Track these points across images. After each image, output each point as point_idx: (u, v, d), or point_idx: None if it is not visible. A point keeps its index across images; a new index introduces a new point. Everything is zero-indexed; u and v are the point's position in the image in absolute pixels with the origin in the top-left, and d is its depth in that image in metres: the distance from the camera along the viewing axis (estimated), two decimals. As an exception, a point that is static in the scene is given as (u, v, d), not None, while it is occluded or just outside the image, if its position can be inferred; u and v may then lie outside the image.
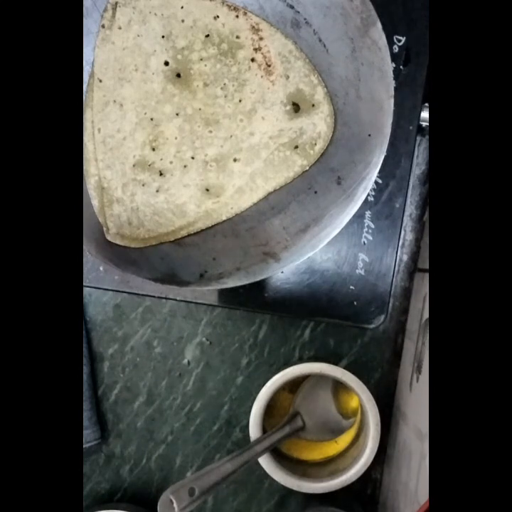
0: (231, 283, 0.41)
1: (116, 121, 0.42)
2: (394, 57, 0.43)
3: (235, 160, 0.42)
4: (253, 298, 0.47)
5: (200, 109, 0.42)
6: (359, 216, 0.46)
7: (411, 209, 0.53)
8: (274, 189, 0.43)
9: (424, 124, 0.46)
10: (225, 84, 0.42)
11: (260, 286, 0.47)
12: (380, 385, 0.53)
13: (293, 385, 0.52)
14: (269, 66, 0.42)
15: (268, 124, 0.42)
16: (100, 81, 0.41)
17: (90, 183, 0.42)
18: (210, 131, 0.42)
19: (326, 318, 0.48)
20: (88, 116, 0.42)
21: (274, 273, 0.41)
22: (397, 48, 0.45)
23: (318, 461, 0.53)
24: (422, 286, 0.51)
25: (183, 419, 0.54)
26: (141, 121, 0.42)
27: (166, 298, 0.47)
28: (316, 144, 0.42)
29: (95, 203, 0.42)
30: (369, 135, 0.40)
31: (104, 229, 0.42)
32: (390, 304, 0.49)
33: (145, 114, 0.42)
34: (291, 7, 0.41)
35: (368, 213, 0.46)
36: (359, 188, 0.40)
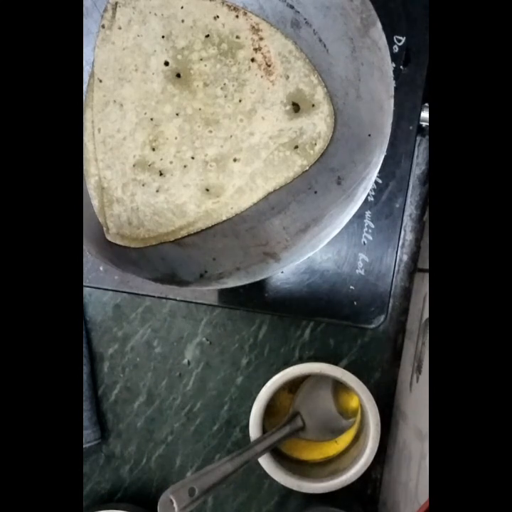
0: (231, 283, 0.41)
1: (117, 121, 0.42)
2: (394, 57, 0.43)
3: (235, 160, 0.42)
4: (253, 298, 0.47)
5: (200, 109, 0.42)
6: (359, 216, 0.46)
7: (411, 209, 0.53)
8: (274, 189, 0.43)
9: (424, 124, 0.46)
10: (225, 84, 0.42)
11: (260, 286, 0.47)
12: (380, 385, 0.53)
13: (293, 385, 0.52)
14: (269, 66, 0.42)
15: (268, 124, 0.42)
16: (100, 81, 0.41)
17: (90, 183, 0.42)
18: (210, 131, 0.42)
19: (326, 318, 0.48)
20: (88, 116, 0.42)
21: (274, 273, 0.41)
22: (397, 48, 0.45)
23: (318, 461, 0.53)
24: (422, 286, 0.51)
25: (183, 419, 0.54)
26: (141, 121, 0.42)
27: (166, 298, 0.47)
28: (316, 144, 0.42)
29: (95, 203, 0.42)
30: (369, 135, 0.40)
31: (104, 229, 0.42)
32: (390, 304, 0.49)
33: (145, 114, 0.42)
34: (291, 7, 0.41)
35: (367, 213, 0.46)
36: (359, 188, 0.40)
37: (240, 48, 0.42)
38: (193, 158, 0.42)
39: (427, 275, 0.50)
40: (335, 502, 0.49)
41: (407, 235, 0.54)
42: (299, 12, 0.41)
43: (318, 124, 0.42)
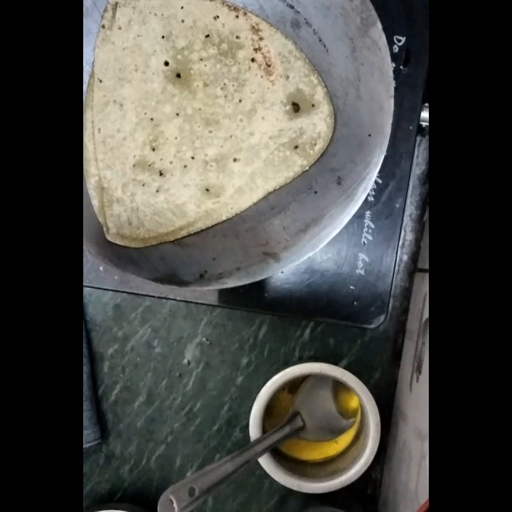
0: (231, 283, 0.41)
1: (117, 121, 0.42)
2: (394, 57, 0.43)
3: (235, 160, 0.42)
4: (253, 298, 0.47)
5: (200, 109, 0.42)
6: (359, 216, 0.46)
7: (411, 209, 0.53)
8: (274, 189, 0.43)
9: (424, 124, 0.46)
10: (225, 84, 0.42)
11: (260, 286, 0.47)
12: (380, 385, 0.53)
13: (293, 385, 0.52)
14: (269, 66, 0.42)
15: (268, 124, 0.42)
16: (100, 81, 0.41)
17: (90, 183, 0.42)
18: (210, 131, 0.42)
19: (326, 318, 0.48)
20: (88, 116, 0.42)
21: (274, 273, 0.41)
22: (397, 48, 0.45)
23: (318, 461, 0.53)
24: (422, 286, 0.51)
25: (183, 419, 0.54)
26: (141, 121, 0.42)
27: (166, 298, 0.47)
28: (315, 144, 0.42)
29: (95, 203, 0.42)
30: (369, 135, 0.40)
31: (104, 229, 0.42)
32: (390, 304, 0.49)
33: (145, 114, 0.42)
34: (291, 7, 0.41)
35: (367, 213, 0.46)
36: (359, 188, 0.40)
37: (240, 48, 0.42)
38: (193, 158, 0.42)
39: (427, 275, 0.50)
40: (335, 502, 0.49)
41: (407, 235, 0.54)
42: (299, 12, 0.41)
43: (318, 124, 0.42)
